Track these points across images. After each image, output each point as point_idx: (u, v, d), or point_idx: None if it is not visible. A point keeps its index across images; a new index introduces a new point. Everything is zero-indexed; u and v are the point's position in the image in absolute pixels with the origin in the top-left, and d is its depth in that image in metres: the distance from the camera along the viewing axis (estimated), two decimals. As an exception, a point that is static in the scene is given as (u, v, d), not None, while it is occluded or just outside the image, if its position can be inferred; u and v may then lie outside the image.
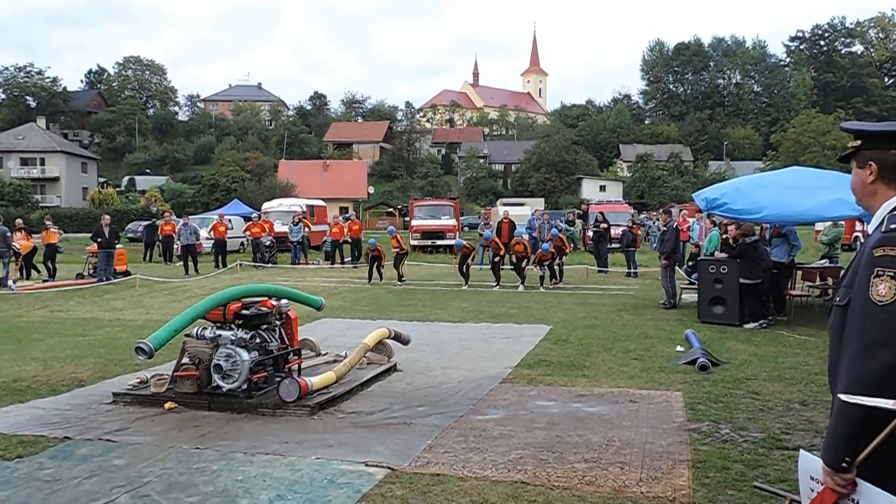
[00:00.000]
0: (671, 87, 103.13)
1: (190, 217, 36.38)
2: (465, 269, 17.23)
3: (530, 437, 5.38)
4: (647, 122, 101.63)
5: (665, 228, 13.65)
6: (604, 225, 20.13)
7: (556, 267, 17.02)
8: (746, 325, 10.63)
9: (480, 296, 15.14)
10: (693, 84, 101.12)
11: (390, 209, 61.97)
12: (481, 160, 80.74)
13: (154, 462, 4.96)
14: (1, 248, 17.82)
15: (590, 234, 24.11)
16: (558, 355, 8.64)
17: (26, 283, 18.22)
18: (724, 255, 11.59)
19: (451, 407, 6.28)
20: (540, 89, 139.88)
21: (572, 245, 29.99)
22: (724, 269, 11.01)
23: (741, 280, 10.64)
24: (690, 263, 15.54)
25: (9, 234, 18.27)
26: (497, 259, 17.24)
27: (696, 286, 13.22)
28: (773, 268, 11.19)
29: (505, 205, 38.21)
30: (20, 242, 19.22)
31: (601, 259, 20.08)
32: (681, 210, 23.18)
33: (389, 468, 4.72)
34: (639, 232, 20.72)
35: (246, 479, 4.61)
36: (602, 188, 70.58)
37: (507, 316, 12.11)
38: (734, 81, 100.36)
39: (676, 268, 13.99)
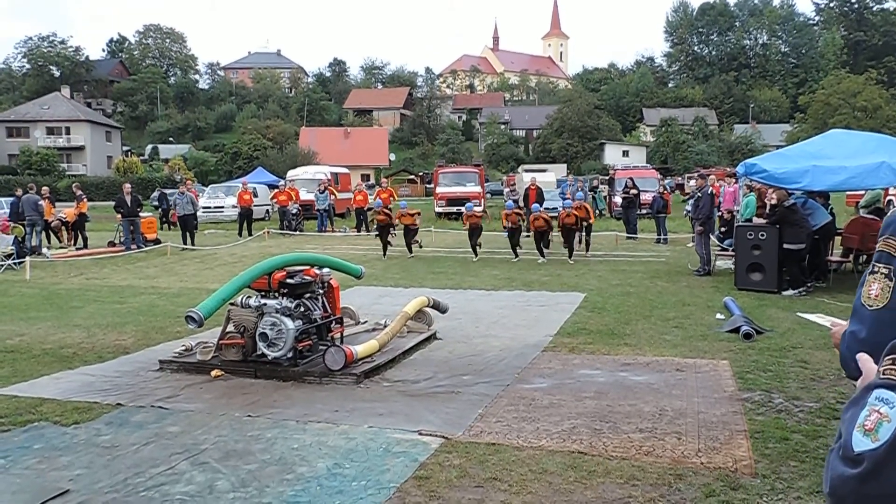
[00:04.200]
0: (696, 48, 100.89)
1: (214, 185, 36.73)
2: (475, 241, 16.05)
3: (581, 406, 5.35)
4: (670, 85, 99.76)
5: (699, 194, 13.41)
6: (633, 191, 19.88)
7: (581, 237, 15.90)
8: (785, 293, 10.47)
9: (510, 263, 15.06)
10: (718, 45, 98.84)
11: (412, 176, 61.77)
12: (502, 126, 80.00)
13: (208, 429, 5.01)
14: (33, 217, 18.08)
15: (617, 200, 23.84)
16: (597, 323, 8.58)
17: (67, 250, 18.58)
18: (762, 220, 11.39)
19: (496, 376, 6.27)
20: (561, 53, 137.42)
21: (597, 212, 29.89)
22: (762, 235, 10.81)
23: (785, 245, 10.45)
24: (723, 230, 15.33)
25: (40, 202, 18.50)
26: (515, 229, 15.89)
27: (729, 252, 13.07)
28: (813, 233, 10.98)
29: (527, 171, 37.89)
30: (65, 211, 19.77)
31: (630, 225, 19.88)
32: (708, 175, 22.76)
33: (444, 437, 4.72)
34: (670, 198, 20.39)
35: (301, 448, 4.64)
36: (625, 153, 69.75)
37: (540, 283, 12.05)
38: (760, 42, 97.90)
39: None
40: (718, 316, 8.81)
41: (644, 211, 22.27)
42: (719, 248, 14.06)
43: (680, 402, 5.39)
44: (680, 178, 48.19)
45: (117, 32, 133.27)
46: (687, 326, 8.33)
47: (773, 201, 11.00)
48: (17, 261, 15.17)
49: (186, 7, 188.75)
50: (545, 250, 15.51)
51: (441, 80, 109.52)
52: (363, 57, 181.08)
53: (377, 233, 17.38)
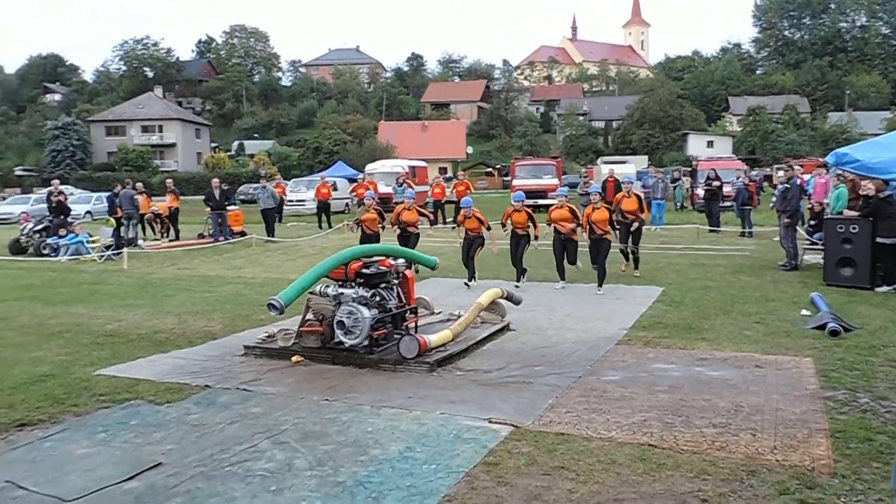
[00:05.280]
0: (787, 33, 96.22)
1: (297, 179, 37.84)
2: (472, 258, 11.33)
3: (653, 399, 5.31)
4: (759, 72, 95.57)
5: (787, 185, 12.89)
6: (716, 183, 19.27)
7: (630, 245, 11.85)
8: (878, 289, 9.96)
9: (585, 255, 14.88)
10: (811, 29, 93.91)
11: (489, 169, 61.76)
12: (581, 117, 78.85)
13: (289, 411, 5.26)
14: (129, 210, 19.18)
15: (700, 192, 23.15)
16: (674, 317, 8.43)
17: (160, 242, 19.66)
18: (854, 213, 10.86)
19: (568, 367, 6.28)
20: (642, 41, 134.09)
21: (676, 205, 29.06)
22: (854, 228, 10.33)
23: (878, 239, 9.95)
24: (812, 223, 14.68)
25: (136, 196, 19.59)
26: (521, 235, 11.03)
27: (818, 247, 12.52)
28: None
29: (606, 163, 37.22)
30: (158, 205, 20.97)
31: (713, 218, 19.29)
32: (794, 166, 21.77)
33: (513, 425, 4.79)
34: (755, 189, 19.64)
35: (375, 431, 4.81)
36: (710, 144, 67.35)
37: (616, 276, 11.88)
38: (858, 24, 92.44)
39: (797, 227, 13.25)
40: (804, 312, 8.49)
41: (727, 203, 21.55)
42: (808, 242, 13.50)
43: (757, 399, 5.26)
44: (768, 170, 46.29)
45: (205, 34, 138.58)
46: (769, 322, 8.07)
47: (871, 191, 10.45)
48: (115, 252, 16.17)
49: (269, 7, 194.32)
50: (571, 266, 11.06)
51: (518, 71, 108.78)
52: (440, 51, 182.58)
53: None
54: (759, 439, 4.44)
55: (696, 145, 66.56)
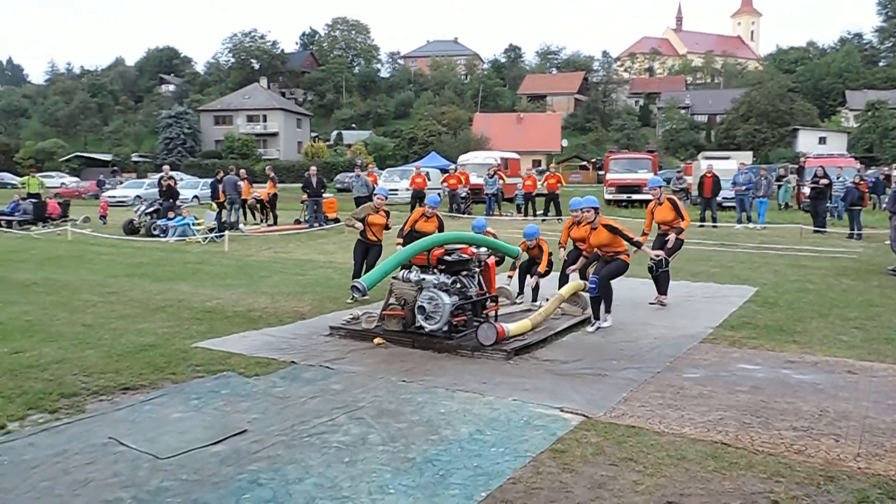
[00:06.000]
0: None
1: (390, 169, 38.60)
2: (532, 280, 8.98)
3: (732, 399, 5.17)
4: (881, 64, 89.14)
5: (900, 185, 12.07)
6: (824, 181, 18.24)
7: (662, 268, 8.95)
8: None
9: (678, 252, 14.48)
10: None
11: (583, 162, 60.81)
12: (682, 111, 76.13)
13: (367, 390, 5.47)
14: (232, 195, 20.16)
15: (806, 190, 21.95)
16: (765, 318, 8.12)
17: (260, 226, 20.62)
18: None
19: (646, 363, 6.20)
20: (752, 32, 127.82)
21: (781, 205, 27.65)
22: (974, 232, 9.58)
23: None
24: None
25: (239, 182, 20.57)
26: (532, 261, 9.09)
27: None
28: None
29: (707, 158, 35.84)
30: (259, 191, 22.00)
31: (818, 218, 18.29)
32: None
33: (584, 416, 4.81)
34: (867, 189, 18.45)
35: (448, 413, 4.94)
36: (822, 140, 63.53)
37: (708, 275, 11.54)
38: None
39: None
40: (910, 319, 7.99)
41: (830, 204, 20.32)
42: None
43: (845, 405, 5.03)
44: (887, 168, 43.29)
45: (309, 26, 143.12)
46: (870, 328, 7.64)
47: None
48: (218, 234, 17.09)
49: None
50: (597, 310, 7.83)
51: (619, 63, 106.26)
52: (539, 42, 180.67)
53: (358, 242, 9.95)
54: (841, 445, 4.26)
55: (806, 141, 62.95)
